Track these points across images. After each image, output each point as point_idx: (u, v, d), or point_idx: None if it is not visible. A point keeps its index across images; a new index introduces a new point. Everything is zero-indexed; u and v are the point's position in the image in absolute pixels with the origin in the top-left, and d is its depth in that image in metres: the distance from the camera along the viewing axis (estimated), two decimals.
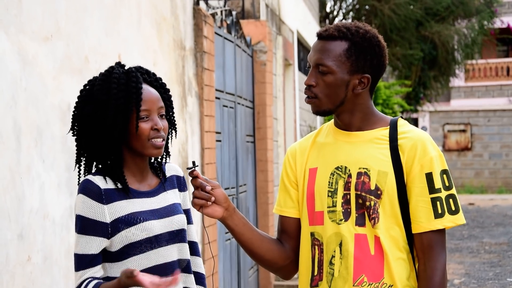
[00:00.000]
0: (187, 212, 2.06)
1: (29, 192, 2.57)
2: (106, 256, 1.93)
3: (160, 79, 2.04)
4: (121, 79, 1.94)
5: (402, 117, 2.02)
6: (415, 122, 21.05)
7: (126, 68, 2.00)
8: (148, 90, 1.97)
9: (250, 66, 6.57)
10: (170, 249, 1.96)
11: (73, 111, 1.99)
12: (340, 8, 14.67)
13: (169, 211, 1.98)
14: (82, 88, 2.00)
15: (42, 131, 2.66)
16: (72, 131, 1.99)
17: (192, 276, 2.02)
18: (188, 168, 1.93)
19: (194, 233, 2.09)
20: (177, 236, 1.98)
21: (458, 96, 21.95)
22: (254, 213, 6.66)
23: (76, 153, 2.00)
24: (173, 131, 2.06)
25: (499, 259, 9.42)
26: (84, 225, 1.90)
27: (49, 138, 2.68)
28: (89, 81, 2.00)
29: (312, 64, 1.98)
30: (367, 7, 13.91)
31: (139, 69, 2.00)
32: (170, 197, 2.01)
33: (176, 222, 1.98)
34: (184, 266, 1.99)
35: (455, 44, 14.70)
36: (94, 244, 1.90)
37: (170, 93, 2.06)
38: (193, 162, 1.94)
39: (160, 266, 1.93)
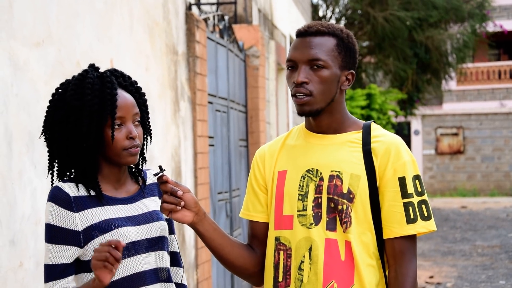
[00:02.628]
0: (169, 221, 1.99)
1: (21, 198, 2.55)
2: (81, 266, 1.86)
3: (136, 82, 1.97)
4: (95, 84, 1.87)
5: (375, 122, 1.98)
6: (408, 126, 21.09)
7: (100, 71, 1.93)
8: (123, 96, 1.90)
9: (243, 71, 6.57)
10: (148, 257, 1.88)
11: (45, 116, 1.91)
12: (332, 12, 14.71)
13: (148, 217, 1.91)
14: (54, 91, 1.92)
15: (34, 136, 2.65)
16: (44, 136, 1.91)
17: (173, 285, 1.94)
18: (155, 174, 1.86)
19: (176, 243, 2.02)
20: (157, 243, 1.91)
21: (450, 99, 22.01)
22: None
23: (48, 159, 1.92)
24: (148, 137, 1.99)
25: (492, 262, 9.43)
26: (54, 234, 1.83)
27: (41, 144, 2.67)
28: (62, 85, 1.92)
29: (303, 61, 1.90)
30: (359, 12, 13.93)
31: (113, 72, 1.93)
32: (150, 204, 1.94)
33: (156, 229, 1.91)
34: (164, 276, 1.92)
35: (448, 48, 14.74)
36: (65, 254, 1.83)
37: (145, 97, 1.99)
38: (160, 167, 1.86)
39: (139, 275, 1.86)
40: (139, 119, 1.93)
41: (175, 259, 2.01)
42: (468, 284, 8.08)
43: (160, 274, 1.92)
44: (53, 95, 1.92)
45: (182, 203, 1.88)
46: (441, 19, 14.18)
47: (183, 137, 4.54)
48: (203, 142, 4.89)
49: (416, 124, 21.38)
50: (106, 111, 1.86)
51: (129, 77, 1.97)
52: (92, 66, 1.94)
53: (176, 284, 1.99)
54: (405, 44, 13.61)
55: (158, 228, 1.92)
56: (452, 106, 21.94)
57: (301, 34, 1.94)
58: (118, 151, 1.87)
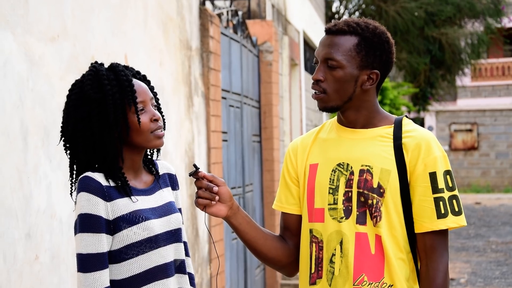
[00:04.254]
0: (179, 212, 2.00)
1: (36, 192, 2.57)
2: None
3: (140, 72, 1.99)
4: (109, 75, 1.88)
5: (407, 117, 1.99)
6: (421, 121, 20.99)
7: (106, 66, 1.93)
8: (138, 82, 1.91)
9: (256, 66, 6.57)
10: (168, 249, 1.88)
11: (64, 119, 1.89)
12: (346, 8, 14.65)
13: (167, 209, 1.92)
14: (68, 93, 1.91)
15: (49, 131, 2.67)
16: (64, 140, 1.89)
17: (186, 276, 1.95)
18: (190, 174, 1.88)
19: (184, 233, 2.02)
20: (174, 235, 1.91)
21: (465, 95, 21.88)
22: (261, 212, 6.66)
23: (70, 161, 1.91)
24: (164, 123, 1.98)
25: (506, 258, 9.38)
26: (92, 223, 1.80)
27: (56, 138, 2.68)
28: (75, 84, 1.91)
29: (320, 59, 1.94)
30: (372, 7, 13.87)
31: (118, 65, 1.93)
32: (166, 195, 1.95)
33: (174, 221, 1.92)
34: (178, 266, 1.93)
35: (462, 44, 14.64)
36: (104, 242, 1.81)
37: (152, 85, 2.00)
38: (195, 165, 1.89)
39: (160, 267, 1.86)
40: (156, 104, 1.94)
41: (186, 248, 2.02)
42: (482, 280, 8.04)
43: (176, 266, 1.93)
44: (68, 96, 1.91)
45: (217, 198, 1.91)
46: (455, 15, 14.08)
47: (196, 132, 4.55)
48: (216, 137, 4.90)
49: (430, 120, 21.27)
50: (128, 97, 1.86)
51: (132, 68, 1.98)
52: (96, 63, 1.94)
53: (188, 274, 2.00)
54: (417, 39, 13.54)
55: (176, 220, 1.93)
56: (467, 102, 21.81)
57: (326, 31, 1.97)
58: (146, 134, 1.88)
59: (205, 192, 1.91)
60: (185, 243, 2.01)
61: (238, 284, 5.59)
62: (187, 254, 2.02)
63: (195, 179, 1.92)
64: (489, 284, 7.80)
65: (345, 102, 1.93)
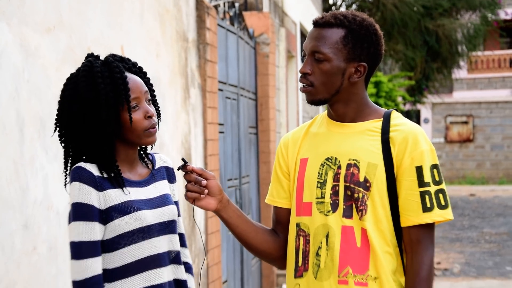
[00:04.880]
0: (176, 204, 2.00)
1: (33, 183, 2.56)
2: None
3: (136, 64, 1.98)
4: (104, 72, 1.87)
5: (397, 110, 1.98)
6: (417, 113, 21.01)
7: (102, 59, 1.93)
8: (133, 78, 1.91)
9: (253, 58, 6.55)
10: (161, 240, 1.89)
11: (58, 112, 1.91)
12: (343, 0, 14.62)
13: (161, 201, 1.93)
14: (63, 87, 1.92)
15: (45, 122, 2.66)
16: (59, 132, 1.91)
17: (182, 267, 1.96)
18: (179, 168, 1.87)
19: (182, 224, 2.03)
20: (168, 227, 1.92)
21: (461, 88, 21.88)
22: (257, 204, 6.66)
23: (65, 152, 1.92)
24: (159, 117, 1.99)
25: (499, 248, 9.42)
26: (85, 211, 1.82)
27: (52, 130, 2.67)
28: (69, 79, 1.92)
29: (307, 52, 1.93)
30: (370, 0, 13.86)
31: (114, 56, 1.93)
32: (161, 187, 1.96)
33: (168, 213, 1.93)
34: (173, 257, 1.94)
35: (459, 37, 14.64)
36: (97, 230, 1.83)
37: (148, 76, 2.00)
38: (183, 159, 1.88)
39: (153, 257, 1.88)
40: (150, 98, 1.94)
41: (182, 240, 2.03)
42: (475, 270, 8.07)
43: (171, 256, 1.94)
44: (63, 90, 1.92)
45: (206, 191, 1.90)
46: (452, 8, 14.07)
47: (193, 124, 4.55)
48: (213, 129, 4.89)
49: (426, 112, 21.28)
50: (121, 96, 1.87)
51: (129, 59, 1.97)
52: (91, 55, 1.94)
53: (185, 264, 2.02)
54: (414, 32, 13.53)
55: (170, 212, 1.94)
56: (462, 94, 21.82)
57: (313, 24, 1.95)
58: (139, 132, 1.89)
59: (194, 186, 1.90)
60: (182, 235, 2.02)
61: (234, 275, 5.59)
62: (184, 245, 2.02)
63: (184, 173, 1.91)
64: (482, 274, 7.84)
65: (333, 95, 1.92)
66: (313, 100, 1.93)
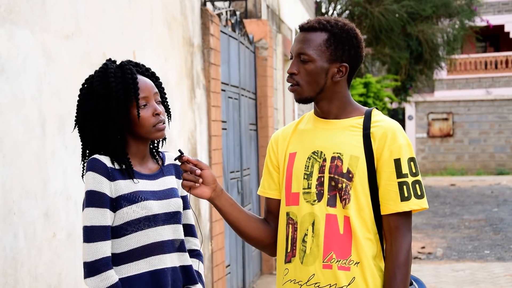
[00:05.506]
0: (184, 198, 2.02)
1: (53, 175, 2.57)
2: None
3: (150, 69, 2.00)
4: (117, 73, 1.90)
5: (377, 109, 1.97)
6: (402, 111, 21.00)
7: (118, 63, 1.96)
8: (143, 79, 1.93)
9: (253, 61, 6.55)
10: (166, 228, 1.90)
11: (76, 109, 1.94)
12: (334, 9, 14.60)
13: (167, 194, 1.94)
14: (81, 87, 1.95)
15: (65, 120, 2.66)
16: (77, 127, 1.94)
17: (187, 254, 1.97)
18: (176, 158, 1.88)
19: (191, 216, 2.04)
20: (173, 217, 1.93)
21: (441, 87, 21.87)
22: (257, 194, 6.66)
23: (82, 148, 1.95)
24: (169, 116, 2.01)
25: (477, 234, 9.43)
26: (97, 198, 1.83)
27: (71, 127, 2.68)
28: (87, 80, 1.95)
29: (294, 54, 1.93)
30: (359, 8, 13.83)
31: (129, 62, 1.96)
32: (169, 181, 1.97)
33: (173, 204, 1.94)
34: (178, 245, 1.95)
35: (439, 41, 14.63)
36: (107, 216, 1.84)
37: (160, 80, 2.01)
38: (180, 151, 1.89)
39: (157, 244, 1.88)
40: (160, 100, 1.96)
41: (192, 230, 2.03)
42: (456, 253, 8.08)
43: (176, 244, 1.94)
44: (81, 89, 1.94)
45: (200, 180, 1.89)
46: (433, 14, 14.05)
47: (198, 121, 4.55)
48: (216, 126, 4.89)
49: (410, 109, 21.28)
50: (130, 94, 1.89)
51: (143, 65, 1.99)
52: (109, 60, 1.97)
53: (193, 250, 2.03)
54: (399, 37, 13.52)
55: (175, 204, 1.95)
56: (443, 94, 21.81)
57: (300, 28, 1.96)
58: (148, 128, 1.90)
59: (190, 175, 1.89)
60: (192, 226, 2.03)
61: (236, 259, 5.60)
62: (194, 235, 2.03)
63: (181, 163, 1.91)
64: (462, 258, 7.85)
65: (318, 93, 1.92)
66: (300, 98, 1.93)
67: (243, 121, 5.99)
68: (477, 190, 15.30)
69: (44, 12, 2.55)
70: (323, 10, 14.72)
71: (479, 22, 15.97)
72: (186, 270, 1.96)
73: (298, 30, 1.97)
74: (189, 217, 2.03)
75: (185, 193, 2.02)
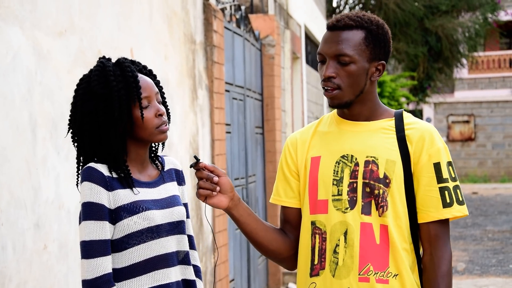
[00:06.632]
0: (185, 206, 1.99)
1: (44, 183, 2.57)
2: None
3: (147, 67, 1.98)
4: (116, 71, 1.88)
5: (406, 110, 1.99)
6: (420, 113, 20.97)
7: (113, 61, 1.93)
8: (144, 78, 1.91)
9: (259, 60, 6.55)
10: (170, 240, 1.88)
11: (71, 112, 1.90)
12: (346, 2, 14.60)
13: (170, 202, 1.91)
14: (76, 87, 1.92)
15: (57, 123, 2.66)
16: (72, 132, 1.90)
17: (191, 267, 1.95)
18: (191, 166, 1.86)
19: (191, 227, 2.02)
20: (177, 227, 1.91)
21: (462, 88, 21.83)
22: (263, 202, 6.66)
23: (77, 153, 1.92)
24: (168, 118, 1.98)
25: (502, 246, 9.39)
26: (95, 211, 1.81)
27: (63, 131, 2.67)
28: (82, 79, 1.92)
29: (330, 56, 1.90)
30: (372, 1, 13.83)
31: (125, 59, 1.93)
32: (170, 188, 1.95)
33: (177, 213, 1.91)
34: (182, 258, 1.92)
35: (459, 37, 14.60)
36: (107, 230, 1.82)
37: (158, 79, 2.00)
38: (195, 157, 1.87)
39: (161, 257, 1.86)
40: (161, 99, 1.94)
41: (190, 242, 2.01)
42: (479, 268, 8.04)
43: (180, 256, 1.92)
44: (76, 90, 1.91)
45: (218, 188, 1.88)
46: (453, 8, 14.04)
47: (200, 124, 4.54)
48: (220, 129, 4.89)
49: (428, 111, 21.25)
50: (132, 93, 1.87)
51: (139, 62, 1.98)
52: (103, 57, 1.94)
53: (194, 267, 1.99)
54: (416, 32, 13.50)
55: (179, 213, 1.93)
56: (464, 94, 21.77)
57: (330, 27, 1.93)
58: (151, 130, 1.88)
59: (206, 183, 1.87)
60: (191, 237, 2.00)
61: (241, 273, 5.59)
62: (193, 247, 2.00)
63: (195, 170, 1.89)
64: (485, 272, 7.81)
65: (357, 96, 1.91)
66: (340, 103, 1.91)
67: (249, 124, 5.99)
68: (501, 199, 15.24)
69: (35, 7, 2.56)
70: (334, 4, 14.72)
71: (503, 16, 15.95)
72: (189, 286, 1.94)
73: (326, 29, 1.96)
74: (189, 227, 2.01)
75: (185, 200, 2.01)
